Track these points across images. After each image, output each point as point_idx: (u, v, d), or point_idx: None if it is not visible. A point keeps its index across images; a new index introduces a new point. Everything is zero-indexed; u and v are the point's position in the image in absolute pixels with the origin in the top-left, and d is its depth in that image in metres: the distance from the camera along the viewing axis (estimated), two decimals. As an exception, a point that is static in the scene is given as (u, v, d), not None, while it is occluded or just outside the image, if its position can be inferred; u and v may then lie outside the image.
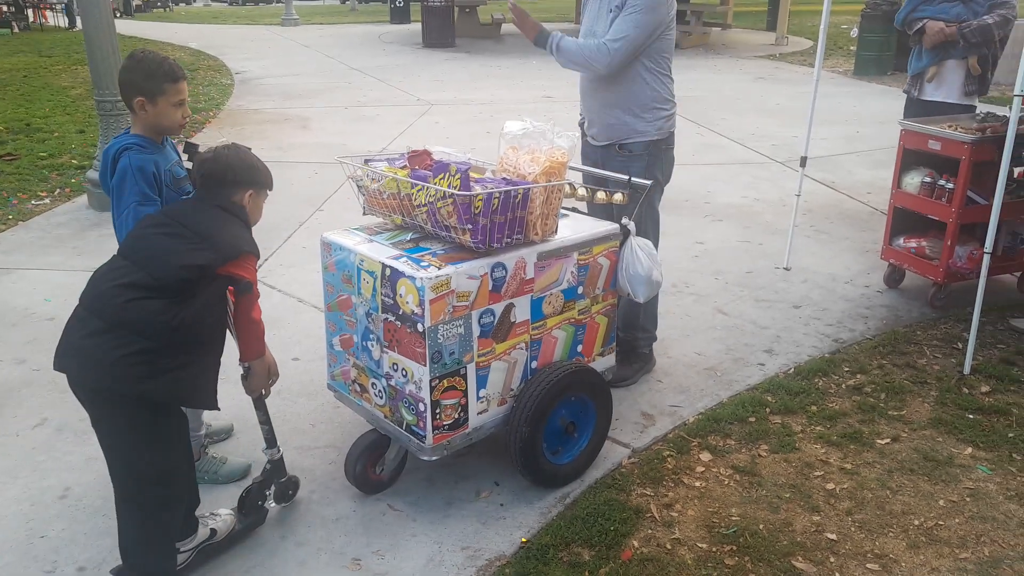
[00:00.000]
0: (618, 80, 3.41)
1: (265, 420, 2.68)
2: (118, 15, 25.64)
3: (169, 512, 2.38)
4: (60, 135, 8.81)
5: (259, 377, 2.55)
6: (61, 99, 10.99)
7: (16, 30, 20.31)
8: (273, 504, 2.80)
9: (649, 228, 3.50)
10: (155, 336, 2.15)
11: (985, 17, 4.58)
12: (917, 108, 4.98)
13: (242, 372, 2.55)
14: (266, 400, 2.67)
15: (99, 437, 2.31)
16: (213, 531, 2.56)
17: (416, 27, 20.10)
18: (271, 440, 2.72)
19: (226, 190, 2.42)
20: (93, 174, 6.17)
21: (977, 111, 4.77)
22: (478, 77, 13.28)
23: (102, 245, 5.27)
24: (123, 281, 2.19)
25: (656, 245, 3.45)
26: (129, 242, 2.34)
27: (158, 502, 2.32)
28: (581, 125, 3.69)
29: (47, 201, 6.51)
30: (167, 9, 34.32)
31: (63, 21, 22.80)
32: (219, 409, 2.40)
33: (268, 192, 2.55)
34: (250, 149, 2.58)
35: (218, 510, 2.65)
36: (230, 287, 2.35)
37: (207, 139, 8.40)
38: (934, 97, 4.91)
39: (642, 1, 3.25)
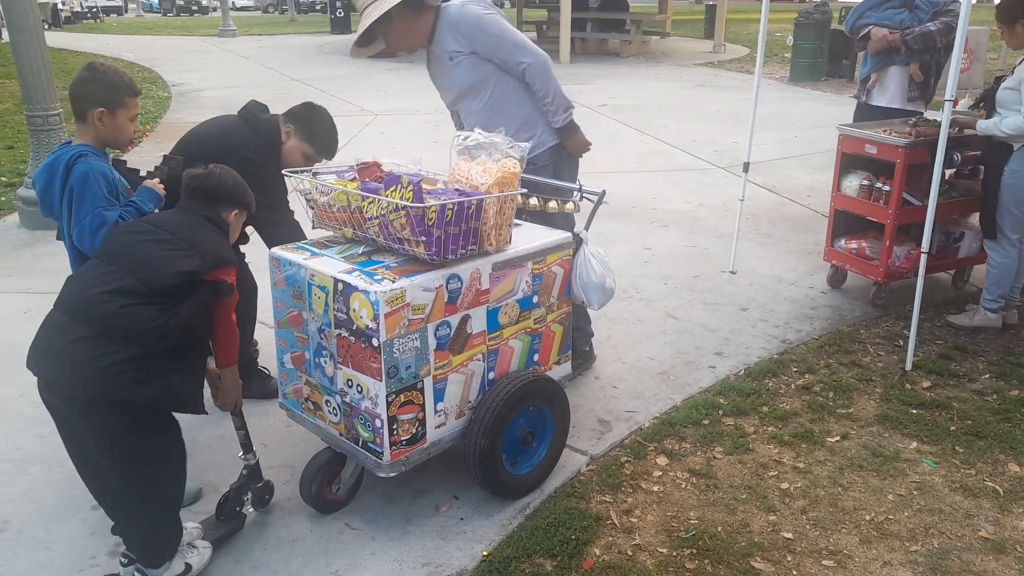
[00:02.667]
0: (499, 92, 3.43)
1: (241, 425, 2.69)
2: (47, 26, 24.84)
3: (173, 501, 2.42)
4: (-13, 151, 8.48)
5: (233, 386, 2.56)
6: (-13, 114, 10.59)
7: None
8: (251, 509, 2.77)
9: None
10: (145, 342, 2.17)
11: (928, 24, 4.72)
12: (865, 113, 5.13)
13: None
14: (217, 417, 2.63)
15: (82, 442, 2.29)
16: (188, 566, 2.49)
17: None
18: (247, 445, 2.71)
19: (216, 206, 2.48)
20: (25, 192, 5.94)
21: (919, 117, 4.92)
22: (422, 87, 13.17)
23: (34, 264, 5.06)
24: (110, 287, 2.19)
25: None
26: (112, 247, 2.34)
27: (160, 496, 2.36)
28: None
29: (-24, 219, 6.25)
30: (98, 20, 33.43)
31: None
32: (207, 414, 2.40)
33: (248, 213, 2.64)
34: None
35: (196, 541, 2.58)
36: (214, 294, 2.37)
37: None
38: (879, 103, 5.06)
39: (474, 19, 3.28)
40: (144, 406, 2.22)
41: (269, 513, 2.85)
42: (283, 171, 2.91)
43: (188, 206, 2.48)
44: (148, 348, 2.17)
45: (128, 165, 2.82)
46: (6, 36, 6.03)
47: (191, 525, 2.61)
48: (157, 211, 2.73)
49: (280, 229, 3.25)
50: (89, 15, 33.53)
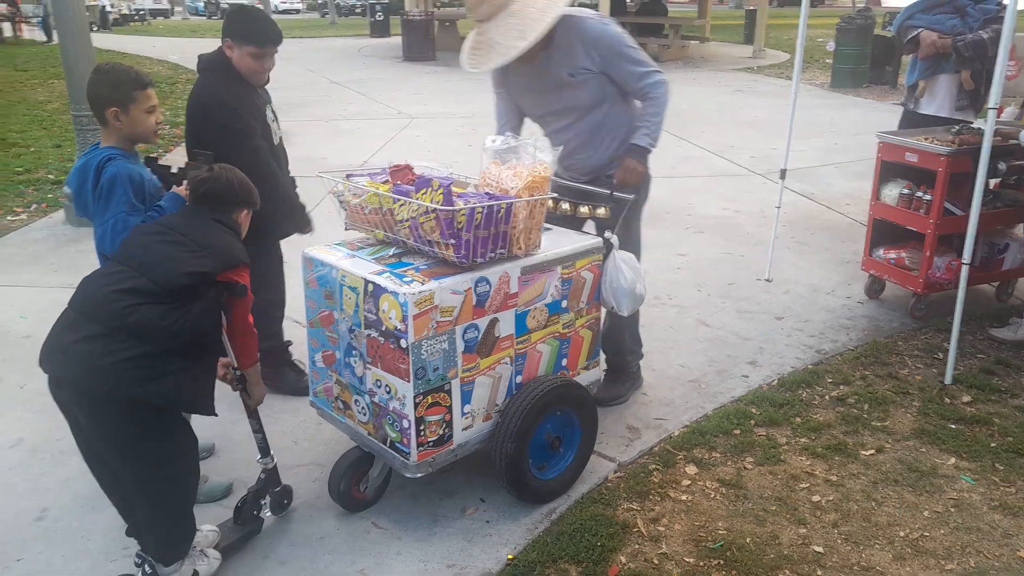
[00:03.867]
0: (609, 115, 3.24)
1: (258, 429, 2.69)
2: (95, 28, 25.47)
3: (186, 499, 2.42)
4: (36, 150, 8.71)
5: (257, 385, 2.59)
6: (37, 113, 10.88)
7: (-9, 44, 20.11)
8: (269, 514, 2.78)
9: (632, 246, 3.46)
10: (156, 341, 2.17)
11: (980, 32, 4.59)
12: (912, 120, 5.01)
13: (240, 387, 2.58)
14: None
15: (90, 441, 2.31)
16: (196, 573, 2.49)
17: (396, 41, 20.12)
18: (265, 449, 2.71)
19: (226, 207, 2.48)
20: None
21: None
22: (459, 91, 13.30)
23: (79, 261, 5.20)
24: (123, 287, 2.21)
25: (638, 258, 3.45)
26: (126, 249, 2.36)
27: (172, 495, 2.36)
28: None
29: (23, 217, 6.43)
30: (145, 22, 34.17)
31: (40, 35, 22.59)
32: (216, 415, 2.39)
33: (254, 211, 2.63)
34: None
35: (201, 525, 2.58)
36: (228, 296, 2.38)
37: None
38: (927, 111, 4.93)
39: (614, 37, 3.11)
40: (152, 404, 2.21)
41: (296, 510, 2.88)
42: (320, 173, 2.93)
43: (198, 209, 2.47)
44: (158, 346, 2.17)
45: (160, 162, 2.85)
46: (56, 38, 6.20)
47: (207, 528, 2.61)
48: None
49: (244, 156, 3.08)
50: (136, 17, 34.29)
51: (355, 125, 10.13)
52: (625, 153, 3.19)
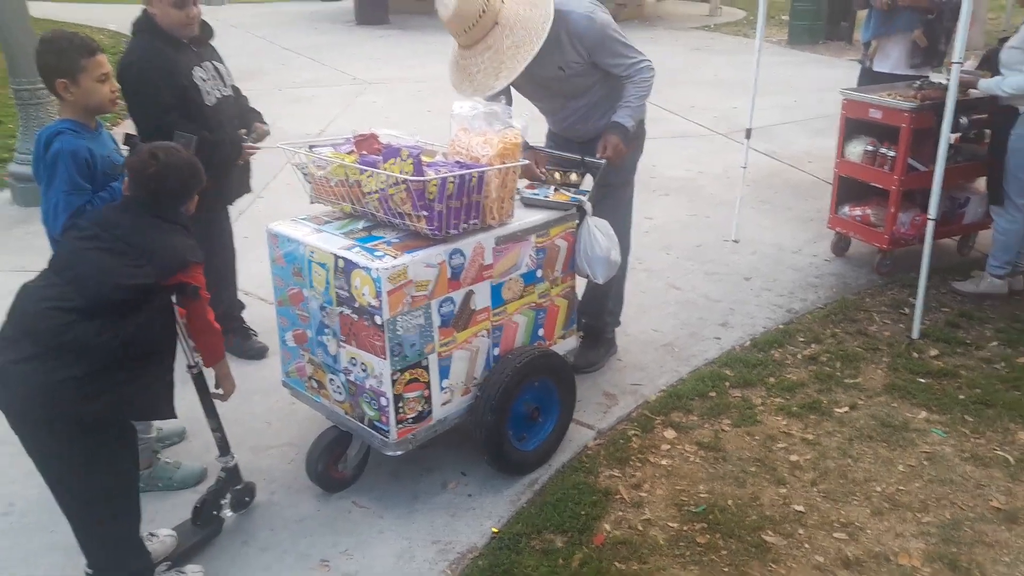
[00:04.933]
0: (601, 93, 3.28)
1: (217, 427, 2.57)
2: (30, -3, 24.39)
3: (126, 520, 2.26)
4: (-28, 127, 8.31)
5: (226, 380, 2.48)
6: (-26, 88, 10.38)
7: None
8: (230, 513, 2.68)
9: (623, 228, 3.45)
10: (95, 358, 2.01)
11: None
12: (871, 78, 5.03)
13: (199, 383, 2.46)
14: (218, 402, 2.55)
15: (35, 462, 2.15)
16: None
17: (348, 4, 19.56)
18: (224, 447, 2.60)
19: (172, 201, 2.24)
20: (16, 167, 5.83)
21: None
22: (415, 54, 13.01)
23: (29, 243, 4.98)
24: (56, 303, 2.04)
25: (628, 248, 3.46)
26: (62, 257, 2.17)
27: (111, 517, 2.20)
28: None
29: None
30: (82, -11, 32.75)
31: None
32: (176, 417, 2.27)
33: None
34: (129, 139, 2.45)
35: (157, 530, 2.48)
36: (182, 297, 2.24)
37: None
38: (881, 69, 4.96)
39: (600, 31, 3.09)
40: (93, 423, 2.05)
41: (275, 493, 2.82)
42: (281, 145, 2.82)
43: (141, 204, 2.21)
44: (98, 363, 2.01)
45: (140, 139, 2.69)
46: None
47: (164, 533, 2.50)
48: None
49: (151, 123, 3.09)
50: (73, -16, 32.85)
51: (310, 92, 9.84)
52: (607, 130, 3.18)
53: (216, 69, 3.35)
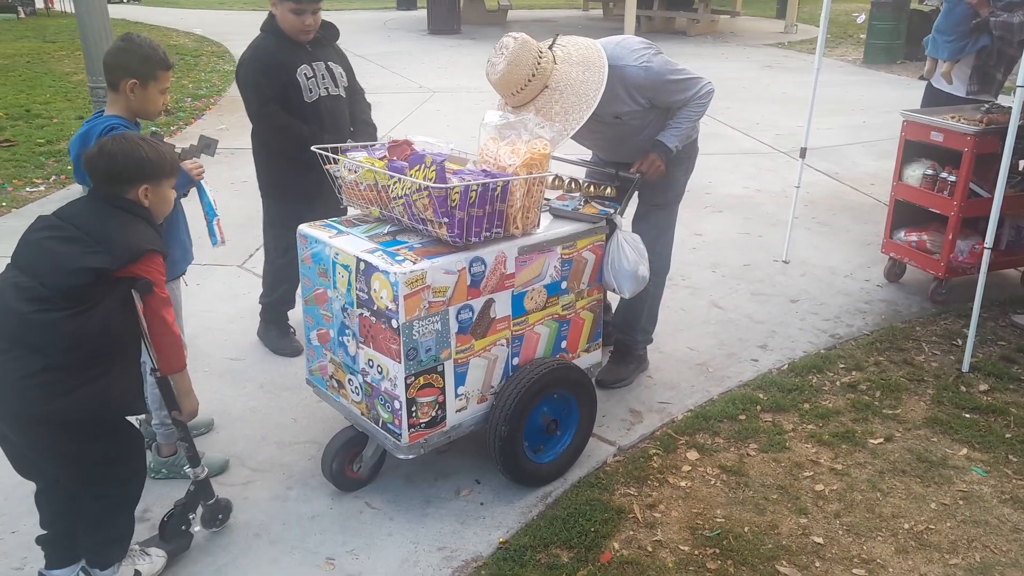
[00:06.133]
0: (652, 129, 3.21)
1: (185, 437, 2.45)
2: (125, 0, 25.55)
3: (127, 493, 2.30)
4: (59, 121, 8.76)
5: (187, 397, 2.33)
6: (63, 85, 10.94)
7: (22, 15, 20.25)
8: (199, 529, 2.60)
9: (665, 248, 3.42)
10: (57, 353, 2.02)
11: (1013, 15, 4.42)
12: (935, 98, 4.88)
13: (165, 394, 2.35)
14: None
15: (22, 450, 2.19)
16: (137, 573, 2.37)
17: (422, 14, 19.91)
18: (194, 459, 2.48)
19: (118, 187, 2.21)
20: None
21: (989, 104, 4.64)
22: (483, 64, 13.13)
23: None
24: (17, 295, 2.04)
25: (666, 267, 3.45)
26: (20, 249, 2.16)
27: (115, 489, 2.26)
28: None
29: (42, 188, 6.47)
30: (174, -6, 34.20)
31: (69, 7, 22.73)
32: (148, 413, 2.29)
33: (172, 180, 2.34)
34: (154, 137, 2.47)
35: (149, 548, 2.45)
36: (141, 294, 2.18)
37: (206, 126, 8.37)
38: (941, 87, 4.80)
39: (658, 78, 3.04)
40: (69, 420, 2.05)
41: (292, 489, 2.87)
42: (313, 148, 2.87)
43: (96, 193, 2.23)
44: (61, 358, 2.01)
45: (165, 140, 2.82)
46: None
47: (156, 553, 2.45)
48: (184, 194, 2.74)
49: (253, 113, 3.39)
50: (166, -11, 34.33)
51: (376, 99, 9.95)
52: (651, 147, 3.14)
53: (329, 69, 3.52)
